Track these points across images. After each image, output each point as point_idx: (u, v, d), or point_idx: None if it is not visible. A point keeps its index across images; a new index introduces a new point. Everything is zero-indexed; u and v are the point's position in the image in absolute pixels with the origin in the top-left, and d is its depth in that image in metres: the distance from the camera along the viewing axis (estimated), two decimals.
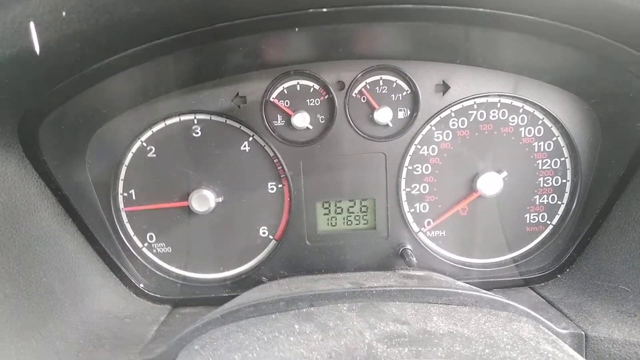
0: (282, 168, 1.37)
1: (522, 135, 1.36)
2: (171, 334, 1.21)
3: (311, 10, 0.94)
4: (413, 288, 1.01)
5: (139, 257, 1.41)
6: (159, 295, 1.42)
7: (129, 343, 1.19)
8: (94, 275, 1.32)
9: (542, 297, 1.33)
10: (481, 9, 0.92)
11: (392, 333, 0.82)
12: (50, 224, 1.21)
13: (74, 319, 1.18)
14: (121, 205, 1.38)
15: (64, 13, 0.79)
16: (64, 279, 1.21)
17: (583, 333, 1.08)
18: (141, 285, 1.41)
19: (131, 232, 1.40)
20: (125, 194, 1.37)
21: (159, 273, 1.42)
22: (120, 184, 1.36)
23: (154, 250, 1.42)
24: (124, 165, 1.35)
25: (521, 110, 1.35)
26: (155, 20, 0.91)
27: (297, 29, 1.03)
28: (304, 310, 0.97)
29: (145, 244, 1.42)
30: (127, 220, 1.39)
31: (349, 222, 1.42)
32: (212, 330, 0.96)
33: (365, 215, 1.41)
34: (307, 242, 1.41)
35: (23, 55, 0.84)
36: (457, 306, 0.98)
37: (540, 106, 1.33)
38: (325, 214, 1.41)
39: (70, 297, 1.21)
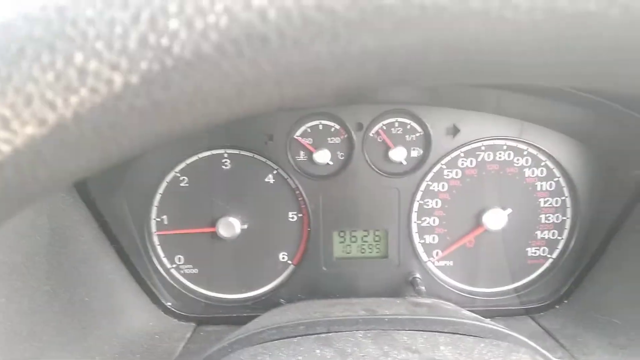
0: (303, 199, 1.48)
1: (526, 176, 1.47)
2: (198, 351, 1.31)
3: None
4: (422, 317, 1.11)
5: (167, 277, 1.52)
6: (184, 313, 1.52)
7: (159, 358, 1.30)
8: (127, 294, 1.43)
9: (541, 326, 1.43)
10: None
11: None
12: (92, 247, 1.33)
13: (110, 335, 1.29)
14: (153, 229, 1.49)
15: None
16: (102, 298, 1.32)
17: None
18: (168, 303, 1.52)
19: (161, 254, 1.51)
20: (158, 219, 1.49)
21: (186, 292, 1.53)
22: (154, 210, 1.48)
23: (182, 271, 1.53)
24: (158, 194, 1.47)
25: (525, 153, 1.46)
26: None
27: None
28: (323, 335, 1.07)
29: (174, 265, 1.53)
30: (158, 243, 1.50)
31: (362, 251, 1.53)
32: (239, 350, 1.06)
33: (378, 244, 1.52)
34: (323, 268, 1.52)
35: None
36: (462, 335, 1.07)
37: (544, 150, 1.44)
38: (340, 242, 1.52)
39: (107, 314, 1.32)
